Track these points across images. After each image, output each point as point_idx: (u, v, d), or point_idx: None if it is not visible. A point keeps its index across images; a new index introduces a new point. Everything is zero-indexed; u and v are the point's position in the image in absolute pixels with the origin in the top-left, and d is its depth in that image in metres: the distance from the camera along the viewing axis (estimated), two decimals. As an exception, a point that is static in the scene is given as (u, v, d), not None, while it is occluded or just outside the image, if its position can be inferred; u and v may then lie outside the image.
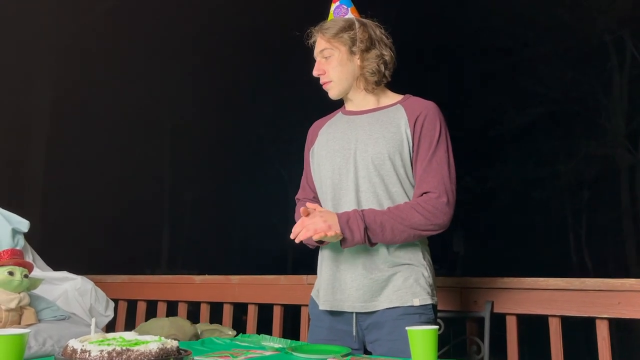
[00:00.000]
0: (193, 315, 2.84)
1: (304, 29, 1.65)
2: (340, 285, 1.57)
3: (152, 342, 1.24)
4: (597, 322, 1.91)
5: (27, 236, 1.87)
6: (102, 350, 1.18)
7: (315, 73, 1.64)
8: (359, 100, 1.67)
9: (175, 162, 12.82)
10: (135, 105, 11.00)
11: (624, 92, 12.13)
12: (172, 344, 1.28)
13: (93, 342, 1.24)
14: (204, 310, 2.77)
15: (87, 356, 1.17)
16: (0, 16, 7.04)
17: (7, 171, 7.35)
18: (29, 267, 1.53)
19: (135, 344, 1.24)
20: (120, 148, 11.09)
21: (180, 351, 1.32)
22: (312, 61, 1.67)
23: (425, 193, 1.53)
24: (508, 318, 2.07)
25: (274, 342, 1.68)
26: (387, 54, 1.63)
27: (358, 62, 1.61)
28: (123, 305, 2.99)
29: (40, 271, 1.71)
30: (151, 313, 2.93)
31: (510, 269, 2.10)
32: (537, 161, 12.70)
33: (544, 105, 12.65)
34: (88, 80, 9.98)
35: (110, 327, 2.40)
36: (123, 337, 1.31)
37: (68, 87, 8.85)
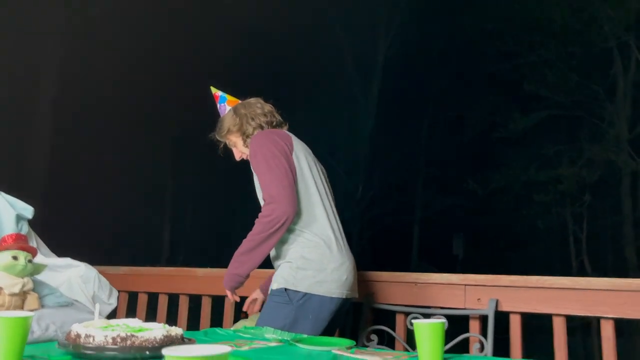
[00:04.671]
0: (193, 310, 2.84)
1: None
2: None
3: (156, 329, 1.24)
4: (602, 322, 1.90)
5: (31, 224, 1.86)
6: (106, 336, 1.17)
7: (237, 159, 2.13)
8: None
9: (178, 157, 12.82)
10: (139, 101, 11.01)
11: (628, 97, 12.10)
12: (176, 331, 1.27)
13: (97, 327, 1.23)
14: (206, 304, 2.76)
15: (91, 341, 1.17)
16: (7, 10, 7.04)
17: (12, 162, 7.36)
18: (33, 252, 1.52)
19: (139, 330, 1.23)
20: (124, 141, 11.10)
21: (184, 339, 1.31)
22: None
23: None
24: (512, 316, 2.06)
25: (277, 335, 1.67)
26: (254, 123, 2.05)
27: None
28: (124, 297, 2.97)
29: (44, 257, 1.70)
30: (152, 305, 2.92)
31: (510, 273, 2.09)
32: (540, 165, 12.67)
33: (548, 109, 12.63)
34: (93, 75, 9.98)
35: (111, 319, 2.38)
36: (127, 324, 1.30)
37: (74, 80, 8.85)
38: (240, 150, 2.09)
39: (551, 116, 12.71)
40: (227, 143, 2.11)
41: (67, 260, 1.76)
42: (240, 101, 2.16)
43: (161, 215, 13.41)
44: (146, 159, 11.31)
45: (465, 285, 2.14)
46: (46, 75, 8.41)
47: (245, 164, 2.08)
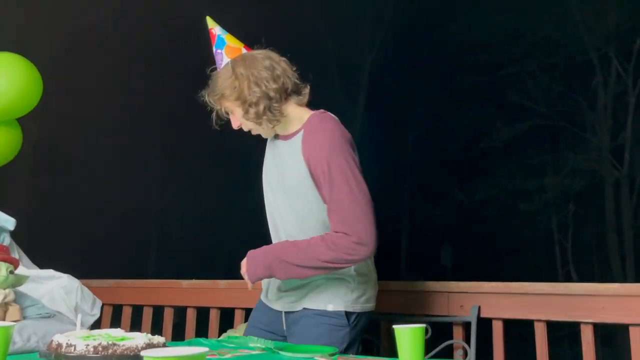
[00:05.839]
0: (179, 323, 2.82)
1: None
2: (273, 285, 1.76)
3: (138, 338, 1.24)
4: (582, 326, 1.93)
5: (14, 235, 1.85)
6: (87, 345, 1.17)
7: (234, 127, 1.67)
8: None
9: (166, 169, 12.76)
10: (127, 111, 10.96)
11: (609, 108, 12.33)
12: (158, 340, 1.27)
13: (79, 337, 1.23)
14: (191, 315, 2.75)
15: (72, 350, 1.17)
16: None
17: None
18: (15, 263, 1.51)
19: (122, 339, 1.23)
20: (111, 153, 11.03)
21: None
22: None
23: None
24: (494, 322, 2.08)
25: (261, 343, 1.67)
26: (259, 90, 1.55)
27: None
28: (108, 310, 2.95)
29: (26, 269, 1.70)
30: (137, 318, 2.91)
31: (497, 282, 2.12)
32: (525, 174, 12.83)
33: (532, 120, 12.82)
34: (81, 84, 9.91)
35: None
36: (109, 334, 1.31)
37: (60, 89, 8.79)
38: (240, 119, 1.62)
39: (535, 126, 12.90)
40: (219, 106, 1.63)
41: (50, 272, 1.76)
42: (243, 50, 1.62)
43: (149, 226, 13.31)
44: (136, 169, 11.24)
45: (448, 292, 2.16)
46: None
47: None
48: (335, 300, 1.63)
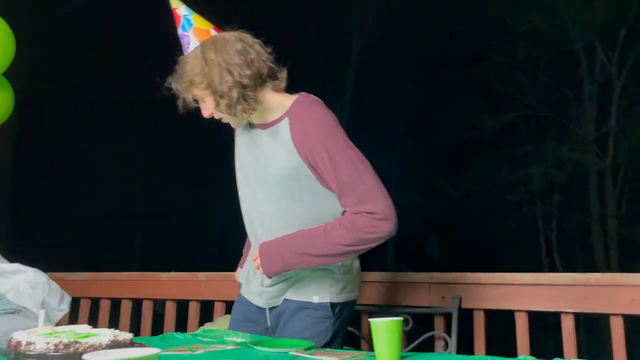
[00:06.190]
0: (160, 315, 2.77)
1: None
2: (254, 279, 1.68)
3: (103, 335, 1.19)
4: (563, 316, 1.91)
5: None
6: (48, 342, 1.12)
7: (205, 115, 1.53)
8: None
9: (150, 160, 12.62)
10: (108, 104, 10.80)
11: (594, 99, 12.41)
12: (125, 336, 1.22)
13: (41, 334, 1.18)
14: (170, 308, 2.70)
15: (32, 348, 1.11)
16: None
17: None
18: (-24, 258, 1.45)
19: (87, 336, 1.18)
20: (93, 145, 10.88)
21: (134, 345, 1.27)
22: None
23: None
24: (476, 313, 2.06)
25: (237, 337, 1.63)
26: (231, 79, 1.42)
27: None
28: (86, 304, 2.89)
29: (-9, 263, 1.63)
30: (115, 312, 2.85)
31: (483, 272, 2.09)
32: (511, 165, 12.90)
33: (518, 110, 12.87)
34: (60, 78, 9.74)
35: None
36: (74, 330, 1.25)
37: (38, 85, 8.63)
38: (210, 107, 1.49)
39: (521, 117, 12.95)
40: (188, 93, 1.49)
41: (16, 266, 1.69)
42: (213, 32, 1.49)
43: (133, 219, 13.18)
44: (116, 161, 11.10)
45: (430, 283, 2.14)
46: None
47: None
48: (321, 292, 1.58)
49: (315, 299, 1.58)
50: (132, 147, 11.79)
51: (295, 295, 1.60)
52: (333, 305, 1.59)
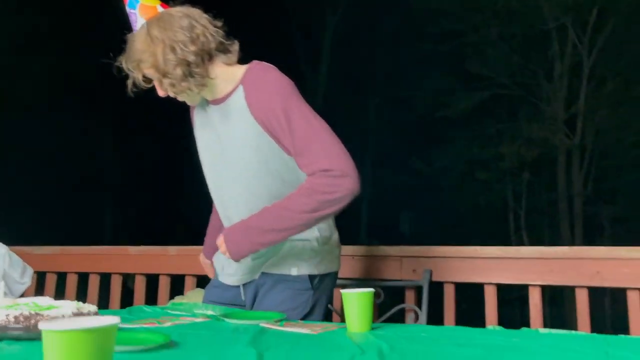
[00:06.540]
0: (129, 289, 2.73)
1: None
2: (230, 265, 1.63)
3: (65, 307, 1.15)
4: (530, 289, 1.95)
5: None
6: (8, 315, 1.07)
7: (161, 95, 1.48)
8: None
9: (118, 133, 12.35)
10: (73, 77, 10.48)
11: (564, 78, 12.59)
12: (89, 308, 1.18)
13: (1, 306, 1.14)
14: (139, 283, 2.66)
15: (-10, 321, 1.07)
16: None
17: None
18: None
19: (48, 308, 1.14)
20: (60, 120, 10.58)
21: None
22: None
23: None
24: (446, 286, 2.09)
25: (207, 310, 1.61)
26: (174, 57, 1.37)
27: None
28: (52, 278, 2.82)
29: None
30: (82, 286, 2.79)
31: (450, 246, 2.11)
32: (482, 143, 13.07)
33: (490, 89, 12.98)
34: (21, 54, 9.39)
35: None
36: (36, 302, 1.21)
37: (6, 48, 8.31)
38: (163, 88, 1.45)
39: (493, 95, 13.07)
40: (141, 75, 1.44)
41: (-25, 238, 1.63)
42: (160, 9, 1.45)
43: (102, 195, 12.95)
44: (84, 136, 10.83)
45: (402, 257, 2.15)
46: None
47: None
48: (299, 264, 1.55)
49: (294, 271, 1.55)
50: (102, 119, 11.52)
51: (273, 268, 1.57)
52: (312, 277, 1.56)
